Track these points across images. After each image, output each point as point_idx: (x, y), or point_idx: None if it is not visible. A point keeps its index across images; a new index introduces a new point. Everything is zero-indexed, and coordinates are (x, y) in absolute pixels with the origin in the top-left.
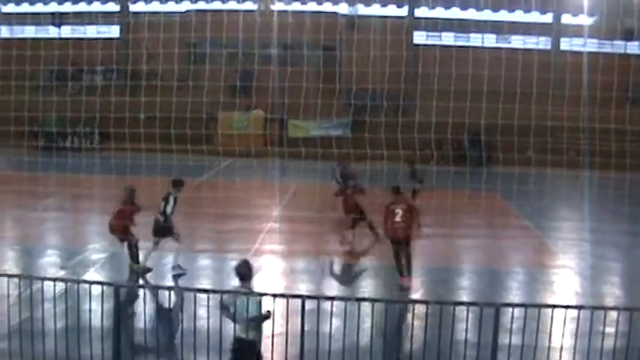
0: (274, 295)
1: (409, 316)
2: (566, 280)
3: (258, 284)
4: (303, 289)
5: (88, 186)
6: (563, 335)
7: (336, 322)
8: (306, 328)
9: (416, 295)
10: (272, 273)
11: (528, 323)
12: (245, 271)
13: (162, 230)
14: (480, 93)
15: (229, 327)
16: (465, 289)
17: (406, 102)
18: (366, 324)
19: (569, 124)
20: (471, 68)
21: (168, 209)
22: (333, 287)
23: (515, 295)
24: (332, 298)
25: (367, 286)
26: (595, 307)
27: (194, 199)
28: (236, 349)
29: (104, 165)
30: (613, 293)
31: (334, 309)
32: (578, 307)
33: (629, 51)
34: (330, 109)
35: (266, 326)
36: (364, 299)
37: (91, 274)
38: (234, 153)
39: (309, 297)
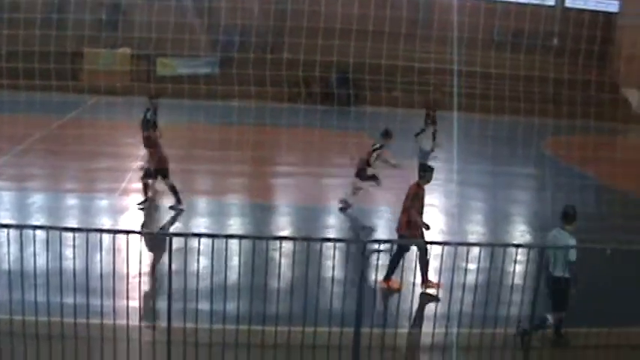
0: (141, 234)
1: (277, 253)
2: (431, 218)
3: (127, 223)
4: (171, 227)
5: None
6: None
7: (204, 261)
8: (173, 267)
9: (284, 233)
10: (140, 212)
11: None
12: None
13: None
14: (348, 31)
15: (96, 267)
16: (333, 227)
17: (275, 39)
18: (234, 262)
19: (436, 66)
20: (341, 7)
21: None
22: (200, 225)
23: (379, 232)
24: (199, 235)
25: (236, 224)
26: (459, 244)
27: (59, 136)
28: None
29: None
30: (476, 231)
31: (202, 247)
32: (443, 244)
33: None
34: (198, 46)
35: (132, 265)
36: (232, 236)
37: None
38: (100, 90)
39: (175, 235)
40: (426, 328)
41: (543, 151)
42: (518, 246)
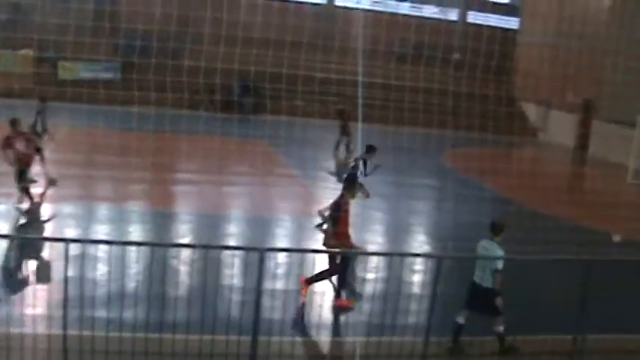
0: (37, 239)
1: (176, 261)
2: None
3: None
4: (68, 233)
5: None
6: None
7: (102, 268)
8: (70, 274)
9: (184, 240)
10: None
11: (293, 268)
12: None
13: None
14: (250, 40)
15: None
16: (233, 235)
17: (176, 45)
18: (133, 269)
19: (337, 76)
20: (243, 15)
21: None
22: (99, 232)
23: (281, 241)
24: (97, 242)
25: (135, 231)
26: (355, 253)
27: None
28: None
29: None
30: (375, 240)
31: (100, 254)
32: (341, 253)
33: (400, 10)
34: (100, 50)
35: (27, 272)
36: (129, 243)
37: None
38: None
39: (73, 241)
40: (324, 337)
41: (442, 162)
42: (417, 255)
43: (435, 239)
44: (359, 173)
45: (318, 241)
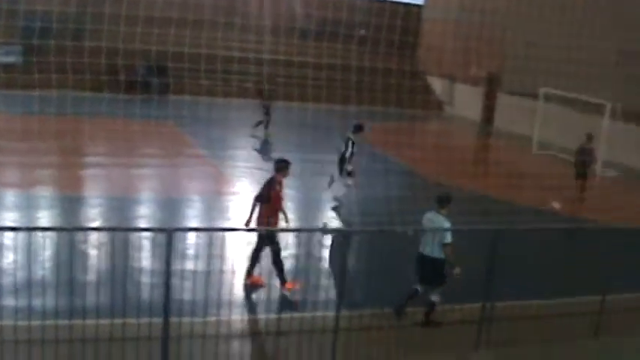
0: None
1: (84, 245)
2: (240, 206)
3: None
4: None
5: None
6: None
7: (9, 255)
8: None
9: (93, 224)
10: None
11: (204, 248)
12: None
13: None
14: (151, 19)
15: None
16: (143, 217)
17: (78, 26)
18: (41, 256)
19: (240, 55)
20: None
21: None
22: (6, 219)
23: (191, 222)
24: (2, 229)
25: (43, 217)
26: (260, 230)
27: None
28: None
29: None
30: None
31: (6, 241)
32: (249, 230)
33: None
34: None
35: None
36: (35, 228)
37: None
38: None
39: None
40: (235, 315)
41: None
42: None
43: (343, 214)
44: (347, 154)
45: (229, 219)
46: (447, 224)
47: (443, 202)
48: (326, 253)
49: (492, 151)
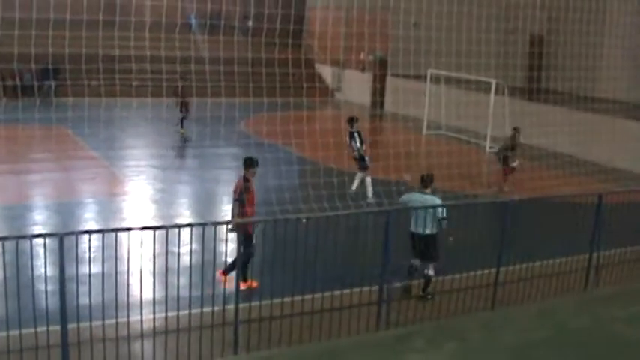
0: None
1: None
2: (136, 206)
3: None
4: None
5: None
6: (142, 258)
7: None
8: None
9: None
10: None
11: (101, 250)
12: None
13: None
14: (29, 20)
15: None
16: (38, 224)
17: None
18: None
19: (136, 53)
20: None
21: None
22: None
23: (88, 225)
24: None
25: None
26: (164, 227)
27: None
28: None
29: None
30: (182, 214)
31: None
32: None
33: None
34: None
35: None
36: None
37: None
38: None
39: None
40: (135, 315)
41: (244, 129)
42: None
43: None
44: (356, 147)
45: (124, 219)
46: (438, 200)
47: (426, 182)
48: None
49: (383, 133)
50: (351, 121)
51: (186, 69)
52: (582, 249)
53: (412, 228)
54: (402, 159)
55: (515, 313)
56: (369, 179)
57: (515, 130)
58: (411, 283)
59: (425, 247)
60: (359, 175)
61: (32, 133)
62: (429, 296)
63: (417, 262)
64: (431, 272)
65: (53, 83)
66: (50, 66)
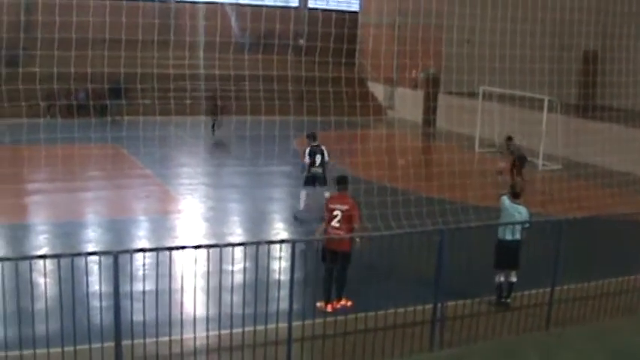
0: None
1: (30, 273)
2: (189, 223)
3: None
4: None
5: None
6: (195, 276)
7: None
8: None
9: (39, 252)
10: None
11: (155, 268)
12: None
13: None
14: (85, 40)
15: None
16: (92, 241)
17: (12, 52)
18: None
19: (175, 72)
20: (75, 16)
21: None
22: None
23: (141, 242)
24: None
25: None
26: (218, 245)
27: None
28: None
29: None
30: (234, 232)
31: None
32: (197, 247)
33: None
34: None
35: None
36: None
37: None
38: None
39: None
40: (188, 333)
41: (297, 147)
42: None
43: (291, 223)
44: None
45: (177, 237)
46: (528, 211)
47: (516, 194)
48: (278, 265)
49: (437, 152)
50: (311, 136)
51: (240, 87)
52: None
53: (500, 235)
54: (457, 177)
55: (570, 334)
56: (304, 192)
57: (509, 138)
58: (507, 300)
59: (514, 252)
60: (303, 192)
61: (88, 152)
62: (509, 301)
63: (501, 278)
64: (514, 279)
65: (124, 102)
66: (122, 85)
